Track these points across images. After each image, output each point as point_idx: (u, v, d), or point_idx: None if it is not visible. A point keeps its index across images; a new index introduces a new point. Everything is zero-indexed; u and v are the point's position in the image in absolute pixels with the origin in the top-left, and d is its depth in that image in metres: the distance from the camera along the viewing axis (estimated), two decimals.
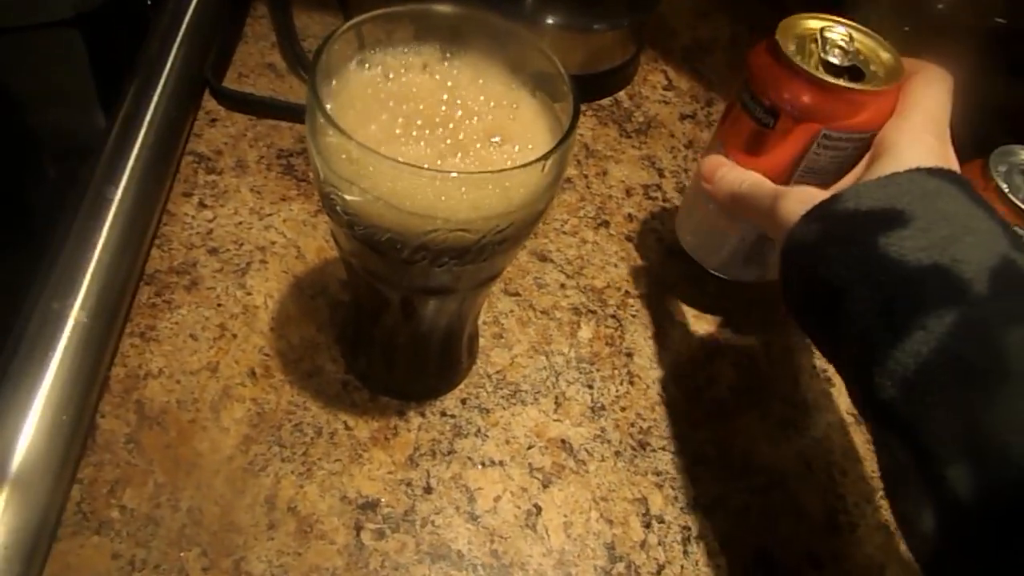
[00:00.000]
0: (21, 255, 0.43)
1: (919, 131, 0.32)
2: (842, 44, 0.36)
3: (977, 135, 0.42)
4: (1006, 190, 0.36)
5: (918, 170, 0.30)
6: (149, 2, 0.55)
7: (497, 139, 0.29)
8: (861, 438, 0.42)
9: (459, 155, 0.28)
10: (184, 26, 0.49)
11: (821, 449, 0.41)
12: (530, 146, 0.29)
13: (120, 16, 0.55)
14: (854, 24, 0.37)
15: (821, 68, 0.36)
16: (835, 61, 0.36)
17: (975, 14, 0.58)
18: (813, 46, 0.37)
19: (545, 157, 0.25)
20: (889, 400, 0.27)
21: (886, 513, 0.39)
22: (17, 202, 0.49)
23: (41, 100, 0.55)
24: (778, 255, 0.33)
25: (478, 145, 0.28)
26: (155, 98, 0.45)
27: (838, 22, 0.37)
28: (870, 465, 0.41)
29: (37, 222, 0.50)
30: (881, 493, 0.40)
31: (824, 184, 0.37)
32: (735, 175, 0.38)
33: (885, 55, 0.36)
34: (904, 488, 0.27)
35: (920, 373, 0.26)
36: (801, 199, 0.33)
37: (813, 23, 0.37)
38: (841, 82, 0.35)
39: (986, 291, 0.26)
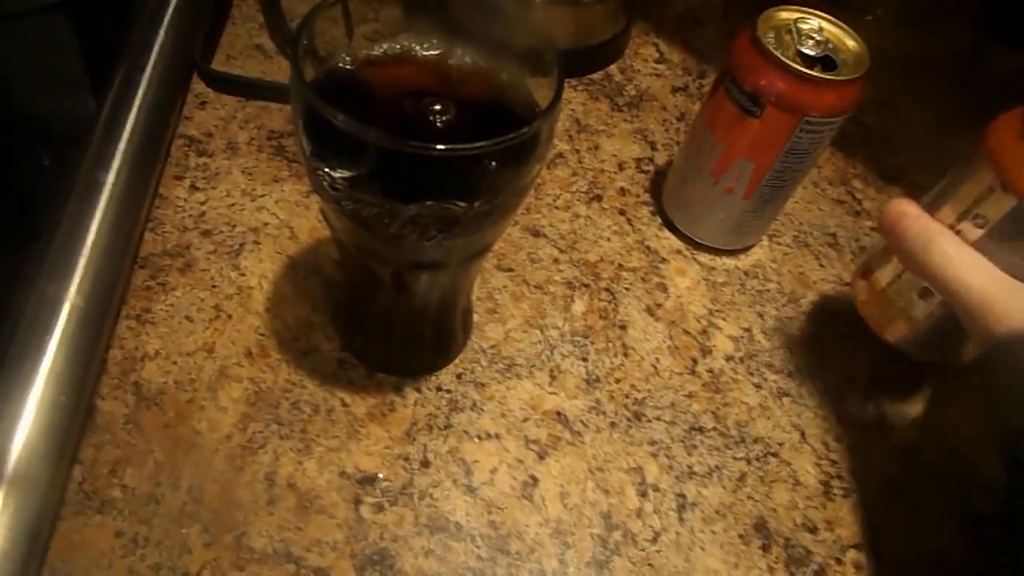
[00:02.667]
0: (16, 241, 0.43)
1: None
2: (814, 35, 0.39)
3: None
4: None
5: None
6: None
7: (483, 114, 0.29)
8: (855, 407, 0.42)
9: (445, 131, 0.28)
10: (171, 9, 0.49)
11: (815, 417, 0.41)
12: (517, 121, 0.29)
13: (107, 0, 0.55)
14: (825, 15, 0.40)
15: (797, 58, 0.38)
16: (809, 52, 0.39)
17: None
18: (788, 37, 0.39)
19: (530, 129, 0.25)
20: None
21: (879, 480, 0.40)
22: (10, 189, 0.49)
23: (31, 86, 0.54)
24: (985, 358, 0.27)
25: (464, 121, 0.28)
26: (143, 82, 0.45)
27: (811, 13, 0.40)
28: (863, 432, 0.41)
29: (31, 208, 0.50)
30: (876, 461, 0.40)
31: (803, 164, 0.41)
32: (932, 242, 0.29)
33: (852, 44, 0.39)
34: None
35: None
36: None
37: (787, 14, 0.40)
38: (814, 72, 0.38)
39: None
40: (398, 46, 0.31)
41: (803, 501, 0.38)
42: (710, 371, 0.42)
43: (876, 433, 0.41)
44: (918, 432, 0.42)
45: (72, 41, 0.54)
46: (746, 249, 0.48)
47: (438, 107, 0.28)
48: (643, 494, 0.37)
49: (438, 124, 0.28)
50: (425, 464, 0.36)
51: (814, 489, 0.39)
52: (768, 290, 0.46)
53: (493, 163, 0.26)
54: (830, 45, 0.39)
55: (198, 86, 0.49)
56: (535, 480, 0.37)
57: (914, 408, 0.43)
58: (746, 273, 0.47)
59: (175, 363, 0.37)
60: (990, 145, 0.33)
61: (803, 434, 0.41)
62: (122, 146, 0.42)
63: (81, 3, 0.53)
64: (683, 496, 0.37)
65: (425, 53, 0.31)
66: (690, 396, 0.41)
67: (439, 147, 0.24)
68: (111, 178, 0.40)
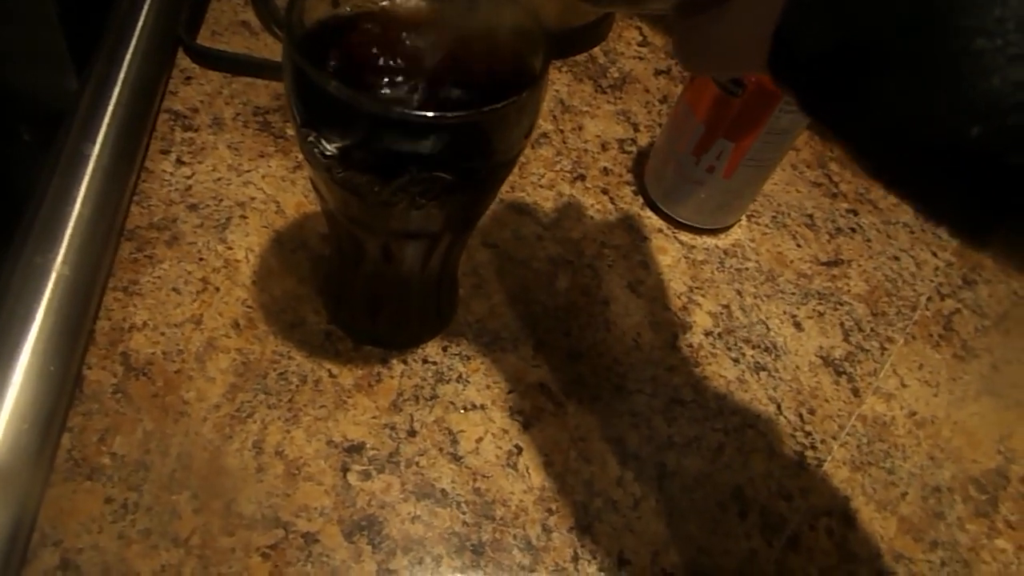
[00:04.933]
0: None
1: None
2: None
3: None
4: None
5: None
6: None
7: (472, 86, 0.29)
8: (828, 380, 0.44)
9: (435, 101, 0.28)
10: None
11: (790, 391, 0.43)
12: (505, 93, 0.29)
13: None
14: None
15: None
16: None
17: None
18: None
19: (519, 98, 0.26)
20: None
21: (849, 450, 0.41)
22: None
23: (11, 62, 0.54)
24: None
25: (454, 92, 0.29)
26: (128, 56, 0.45)
27: None
28: (835, 405, 0.43)
29: (12, 183, 0.50)
30: (847, 430, 0.42)
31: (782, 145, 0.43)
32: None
33: None
34: None
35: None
36: None
37: None
38: None
39: None
40: (385, 19, 0.31)
41: (779, 470, 0.40)
42: (690, 346, 0.43)
43: (848, 406, 0.43)
44: (888, 405, 0.43)
45: (54, 15, 0.53)
46: (726, 228, 0.49)
47: (427, 79, 0.29)
48: (624, 463, 0.38)
49: (428, 94, 0.28)
50: (411, 433, 0.37)
51: (789, 459, 0.40)
52: (747, 268, 0.48)
53: (482, 131, 0.26)
54: None
55: (183, 61, 0.49)
56: (519, 449, 0.38)
57: (885, 382, 0.44)
58: (725, 252, 0.48)
59: (163, 334, 0.38)
60: None
61: (779, 406, 0.42)
62: (107, 119, 0.42)
63: None
64: (663, 465, 0.38)
65: (414, 29, 0.31)
66: (670, 370, 0.42)
67: (429, 114, 0.25)
68: (96, 150, 0.40)
